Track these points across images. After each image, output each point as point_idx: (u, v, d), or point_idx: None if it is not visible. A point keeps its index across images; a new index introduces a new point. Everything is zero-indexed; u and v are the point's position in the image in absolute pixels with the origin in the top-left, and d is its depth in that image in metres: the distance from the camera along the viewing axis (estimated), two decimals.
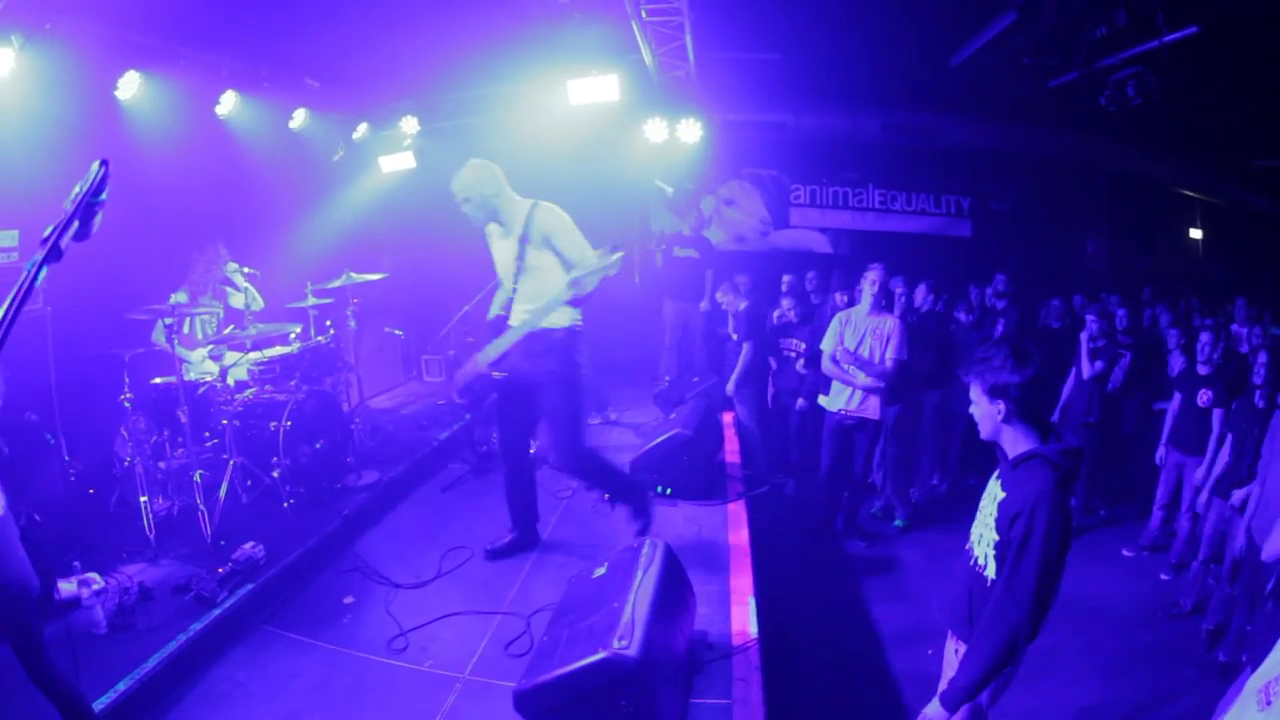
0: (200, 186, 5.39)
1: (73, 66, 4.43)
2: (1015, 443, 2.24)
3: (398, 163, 7.86)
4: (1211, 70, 6.43)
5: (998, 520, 2.21)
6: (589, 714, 2.45)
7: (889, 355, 5.24)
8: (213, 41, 5.35)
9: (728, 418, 6.51)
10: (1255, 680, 1.49)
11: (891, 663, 4.39)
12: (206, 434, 4.77)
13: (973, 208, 9.76)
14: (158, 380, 4.78)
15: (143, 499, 4.13)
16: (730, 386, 6.54)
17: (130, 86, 4.94)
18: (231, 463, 4.51)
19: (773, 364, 6.92)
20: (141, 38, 4.89)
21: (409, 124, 7.71)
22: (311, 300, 5.43)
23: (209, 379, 4.88)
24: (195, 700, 3.03)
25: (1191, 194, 10.39)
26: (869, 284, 5.32)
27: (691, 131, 8.00)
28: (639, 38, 6.07)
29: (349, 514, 4.60)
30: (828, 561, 5.66)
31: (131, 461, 4.39)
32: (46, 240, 1.15)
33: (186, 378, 4.60)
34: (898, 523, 6.12)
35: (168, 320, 4.28)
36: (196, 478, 4.23)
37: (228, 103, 5.78)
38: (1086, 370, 5.98)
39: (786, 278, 7.39)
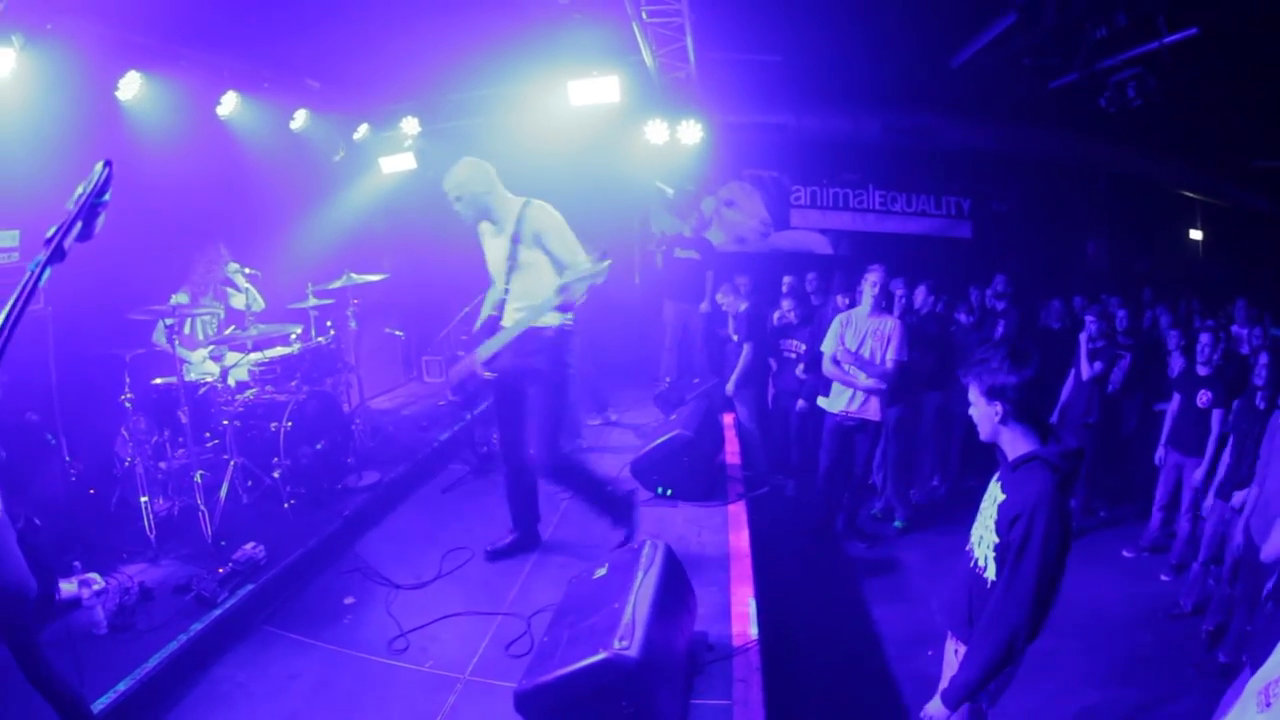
0: (201, 187, 5.39)
1: (74, 67, 4.43)
2: (1014, 444, 2.25)
3: (398, 164, 7.86)
4: (1211, 71, 6.43)
5: (998, 522, 2.21)
6: (590, 715, 2.45)
7: (889, 356, 5.24)
8: (214, 42, 5.36)
9: (728, 419, 6.51)
10: (1255, 682, 1.49)
11: (891, 664, 4.39)
12: (207, 434, 4.77)
13: (973, 209, 9.77)
14: (158, 381, 4.78)
15: (143, 499, 4.13)
16: (730, 387, 6.55)
17: (131, 87, 4.94)
18: (232, 463, 4.52)
19: (773, 365, 6.92)
20: (142, 38, 4.89)
21: (410, 125, 7.72)
22: (312, 301, 5.43)
23: (210, 379, 4.87)
24: (195, 700, 3.03)
25: (1192, 195, 10.39)
26: (869, 285, 5.32)
27: (692, 133, 8.01)
28: (640, 39, 6.08)
29: (349, 515, 4.61)
30: (828, 563, 5.66)
31: (132, 462, 4.39)
32: (50, 241, 1.16)
33: (187, 378, 4.59)
34: (898, 524, 6.13)
35: (169, 321, 4.29)
36: (197, 478, 4.23)
37: (229, 103, 5.78)
38: (1086, 371, 5.98)
39: (787, 279, 7.39)
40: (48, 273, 1.14)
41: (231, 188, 5.96)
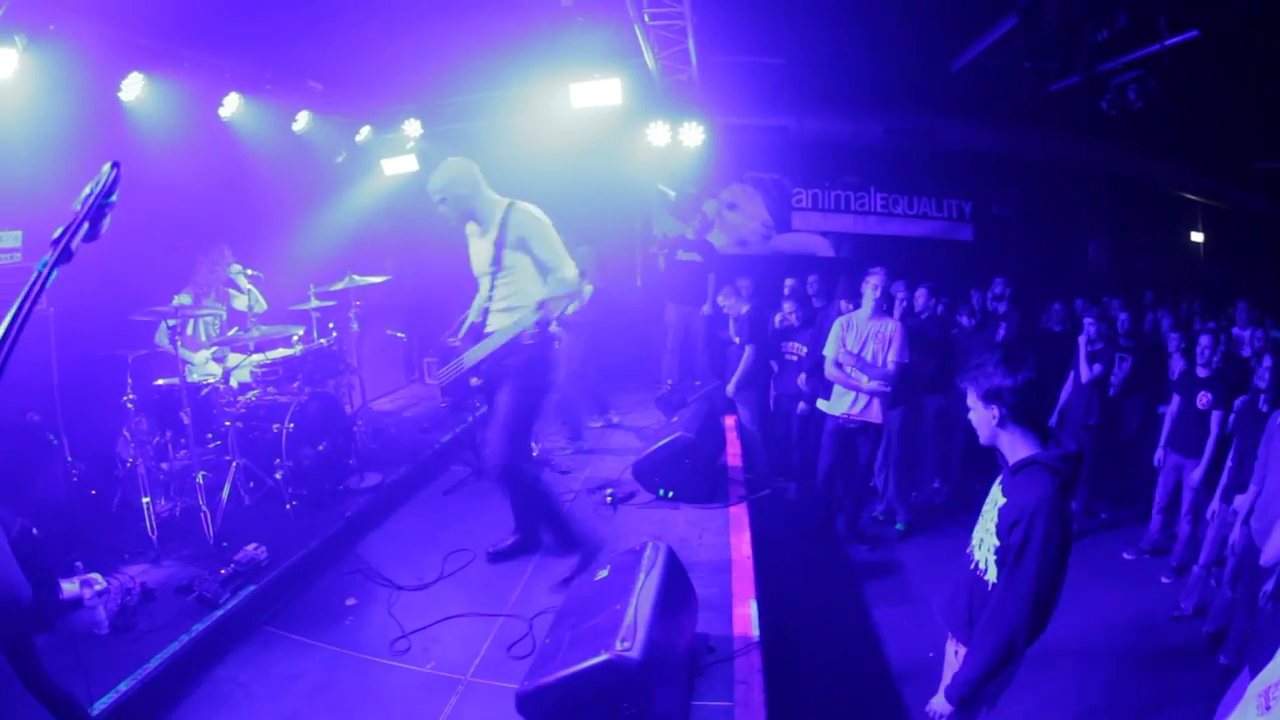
0: (203, 188, 5.40)
1: (76, 68, 4.45)
2: (1014, 448, 2.25)
3: (400, 165, 7.87)
4: (1212, 73, 6.43)
5: (998, 526, 2.22)
6: (591, 716, 2.45)
7: (891, 358, 5.25)
8: (216, 44, 5.37)
9: (729, 421, 6.51)
10: (1256, 685, 1.49)
11: (893, 666, 4.39)
12: (209, 435, 4.78)
13: (975, 211, 9.76)
14: (161, 382, 4.80)
15: (145, 500, 4.13)
16: (731, 389, 6.56)
17: (134, 88, 4.95)
18: (234, 464, 4.52)
19: (774, 367, 6.92)
20: (145, 39, 4.90)
21: (411, 127, 7.73)
22: (314, 302, 5.45)
23: (212, 381, 4.88)
24: (197, 701, 3.03)
25: (1193, 197, 10.38)
26: (870, 288, 5.32)
27: (694, 135, 8.02)
28: (641, 41, 6.09)
29: (351, 516, 4.61)
30: (829, 564, 5.66)
31: (134, 462, 4.39)
32: (57, 241, 1.16)
33: (189, 379, 4.60)
34: (899, 526, 6.12)
35: (171, 322, 4.29)
36: (199, 479, 4.24)
37: (231, 105, 5.79)
38: (1085, 374, 5.98)
39: (789, 281, 7.40)
40: (55, 274, 1.15)
41: (234, 189, 5.97)
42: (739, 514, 4.71)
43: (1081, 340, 6.06)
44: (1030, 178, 9.65)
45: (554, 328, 3.74)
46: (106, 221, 1.22)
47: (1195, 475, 5.10)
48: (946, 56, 7.32)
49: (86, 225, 1.19)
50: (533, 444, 4.27)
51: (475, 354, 3.65)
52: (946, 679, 2.40)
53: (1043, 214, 9.83)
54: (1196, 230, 10.97)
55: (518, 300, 3.65)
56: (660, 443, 5.04)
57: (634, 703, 2.41)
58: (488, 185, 3.80)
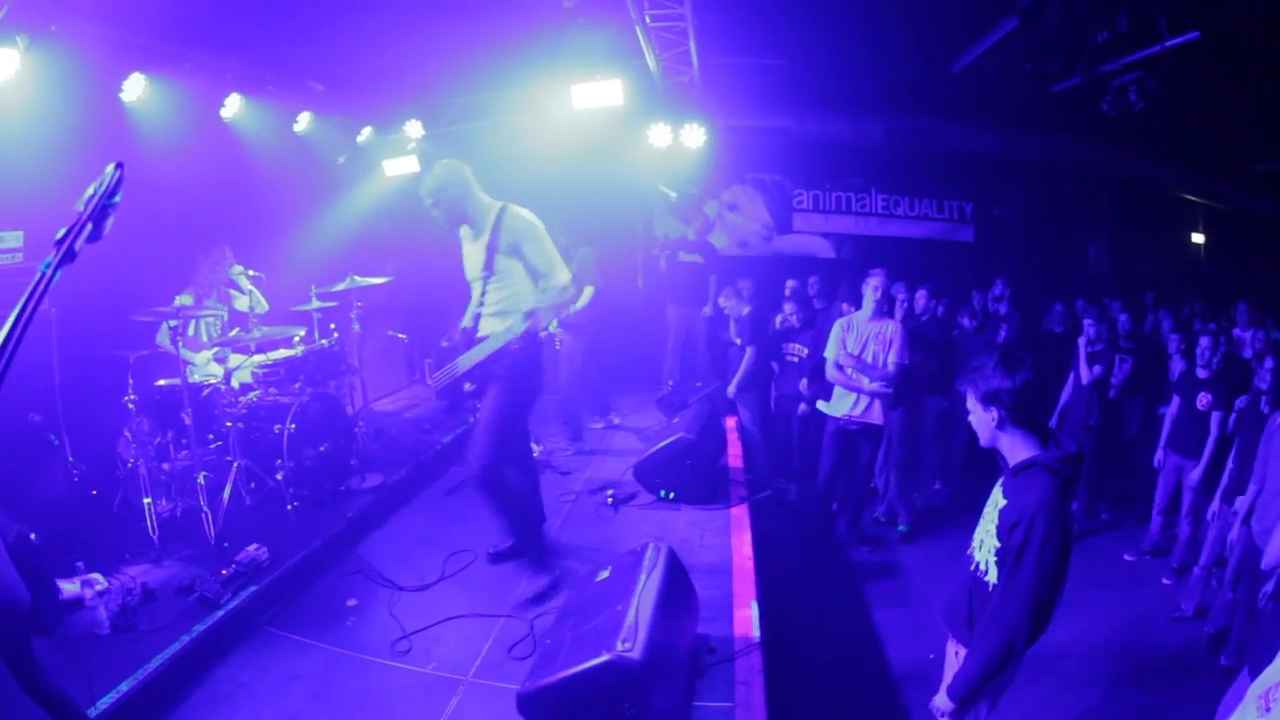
0: (205, 189, 5.40)
1: (78, 68, 4.45)
2: (1014, 449, 2.26)
3: (401, 166, 7.87)
4: (1213, 74, 6.43)
5: (999, 527, 2.23)
6: (592, 716, 2.46)
7: (891, 359, 5.25)
8: (217, 44, 5.37)
9: (730, 422, 6.52)
10: (1256, 686, 1.49)
11: (893, 667, 4.39)
12: (210, 436, 4.78)
13: (975, 213, 9.76)
14: (162, 382, 4.80)
15: (146, 500, 4.13)
16: (732, 390, 6.56)
17: (135, 89, 4.95)
18: (235, 465, 4.52)
19: (775, 369, 6.93)
20: (146, 40, 4.90)
21: (413, 128, 7.73)
22: (316, 303, 5.45)
23: (213, 381, 4.88)
24: (198, 701, 3.03)
25: (1193, 198, 10.38)
26: (871, 289, 5.33)
27: (695, 136, 8.02)
28: (643, 43, 6.09)
29: (352, 516, 4.61)
30: (830, 566, 5.66)
31: (135, 463, 4.39)
32: (61, 242, 1.16)
33: (191, 380, 4.61)
34: (901, 528, 6.12)
35: (172, 322, 4.29)
36: (200, 479, 4.24)
37: (232, 106, 5.80)
38: (1085, 375, 5.98)
39: (790, 282, 7.41)
40: (58, 274, 1.15)
41: (235, 190, 5.98)
42: (740, 515, 4.71)
43: (1082, 341, 6.06)
44: (1031, 179, 9.65)
45: (554, 328, 3.72)
46: (110, 222, 1.22)
47: (1195, 476, 5.10)
48: (947, 58, 7.31)
49: (90, 226, 1.19)
50: (534, 445, 4.24)
51: (468, 359, 3.61)
52: (947, 680, 2.40)
53: (1043, 215, 9.82)
54: (1197, 231, 10.96)
55: (510, 305, 3.63)
56: (661, 444, 5.04)
57: (635, 703, 2.41)
58: (480, 188, 3.78)
